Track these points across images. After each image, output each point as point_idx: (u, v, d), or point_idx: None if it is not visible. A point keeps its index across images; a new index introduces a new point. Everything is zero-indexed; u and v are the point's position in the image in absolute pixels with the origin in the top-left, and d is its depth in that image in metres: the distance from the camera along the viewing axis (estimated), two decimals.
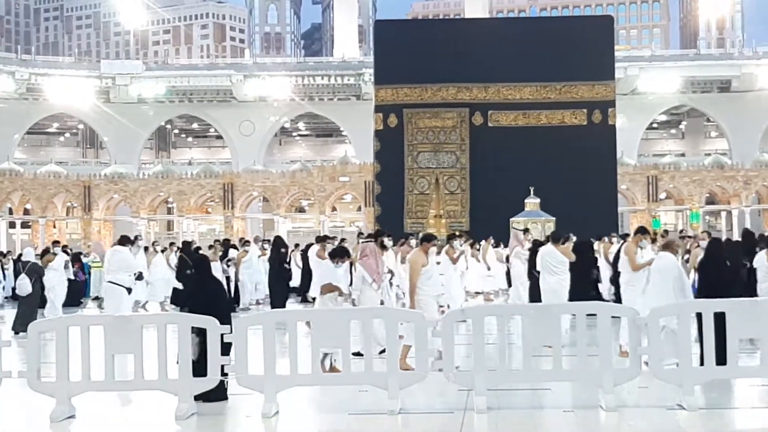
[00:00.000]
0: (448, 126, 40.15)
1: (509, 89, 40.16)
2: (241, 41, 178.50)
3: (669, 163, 62.13)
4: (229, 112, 74.64)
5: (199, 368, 10.52)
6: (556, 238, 17.24)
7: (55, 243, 25.64)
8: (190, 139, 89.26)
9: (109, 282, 18.66)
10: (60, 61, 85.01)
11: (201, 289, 11.90)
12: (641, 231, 15.45)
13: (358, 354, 10.95)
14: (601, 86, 40.24)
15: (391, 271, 15.32)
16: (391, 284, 16.38)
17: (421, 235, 14.80)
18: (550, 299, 15.54)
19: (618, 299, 16.29)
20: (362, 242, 17.50)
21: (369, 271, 15.40)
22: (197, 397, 10.71)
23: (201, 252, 20.48)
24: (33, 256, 22.27)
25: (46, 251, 24.25)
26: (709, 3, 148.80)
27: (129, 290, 18.52)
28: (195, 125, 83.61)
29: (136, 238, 21.66)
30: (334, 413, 10.85)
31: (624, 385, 10.75)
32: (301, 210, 70.21)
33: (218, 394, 10.98)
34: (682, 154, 77.50)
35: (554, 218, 32.34)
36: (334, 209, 62.83)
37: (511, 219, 32.79)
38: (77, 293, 27.71)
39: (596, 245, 22.80)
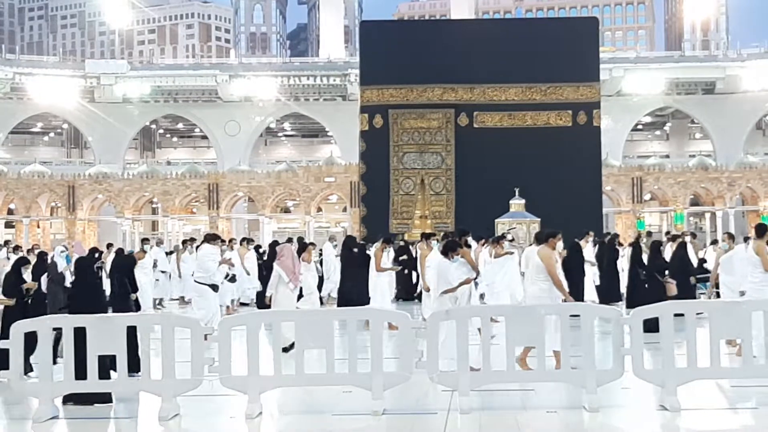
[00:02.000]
0: (434, 127, 40.16)
1: (495, 90, 40.21)
2: (227, 41, 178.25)
3: (653, 165, 62.28)
4: (214, 112, 74.45)
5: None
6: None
7: (145, 240, 25.21)
8: (175, 139, 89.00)
9: (196, 282, 18.43)
10: (44, 60, 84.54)
11: (81, 291, 11.90)
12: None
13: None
14: (586, 87, 40.34)
15: (477, 272, 15.37)
16: (476, 284, 16.55)
17: (546, 230, 14.65)
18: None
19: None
20: (281, 243, 17.65)
21: (286, 272, 15.73)
22: (71, 398, 10.79)
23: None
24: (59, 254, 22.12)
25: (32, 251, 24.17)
26: (694, 5, 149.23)
27: (215, 288, 18.12)
28: (180, 125, 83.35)
29: (215, 236, 20.61)
30: (318, 414, 10.86)
31: (607, 386, 10.79)
32: (287, 210, 70.11)
33: (101, 396, 10.97)
34: (667, 156, 77.72)
35: (539, 219, 32.43)
36: (319, 210, 62.72)
37: (496, 220, 32.89)
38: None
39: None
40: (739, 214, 60.89)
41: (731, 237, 17.32)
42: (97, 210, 63.66)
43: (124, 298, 14.14)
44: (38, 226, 63.40)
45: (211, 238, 18.97)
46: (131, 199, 60.15)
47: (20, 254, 24.15)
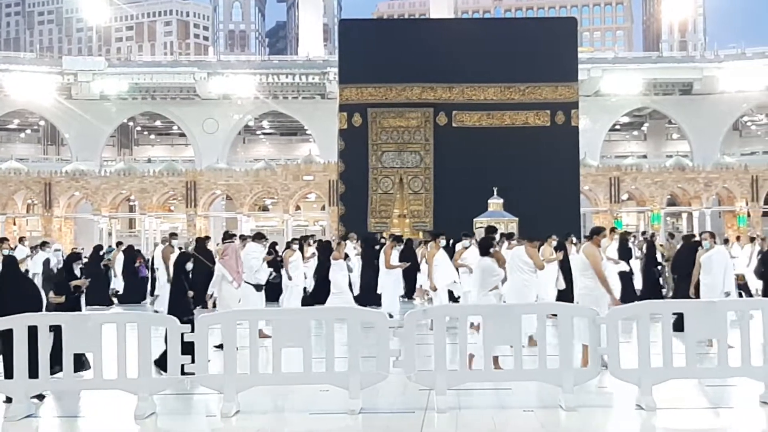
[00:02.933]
0: (413, 126, 40.18)
1: (473, 90, 40.25)
2: (205, 39, 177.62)
3: (631, 165, 62.56)
4: (192, 109, 74.24)
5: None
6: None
7: (173, 236, 24.82)
8: (152, 136, 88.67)
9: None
10: (21, 56, 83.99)
11: (8, 290, 11.83)
12: None
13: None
14: (564, 87, 40.45)
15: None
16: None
17: (593, 227, 14.65)
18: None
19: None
20: (224, 242, 17.56)
21: (230, 271, 15.74)
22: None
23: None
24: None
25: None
26: (672, 6, 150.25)
27: (258, 288, 17.77)
28: (158, 123, 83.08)
29: (262, 235, 20.09)
30: (295, 413, 10.84)
31: (584, 385, 10.83)
32: (265, 209, 69.98)
33: None
34: (644, 156, 78.10)
35: (517, 218, 32.50)
36: (298, 208, 62.62)
37: (474, 219, 32.90)
38: (142, 289, 27.75)
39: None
40: (715, 215, 61.27)
41: (713, 236, 17.32)
42: (73, 207, 63.29)
43: (182, 296, 14.04)
44: (14, 224, 62.97)
45: (258, 236, 18.82)
46: (108, 197, 59.85)
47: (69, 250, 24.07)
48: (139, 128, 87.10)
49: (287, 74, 74.36)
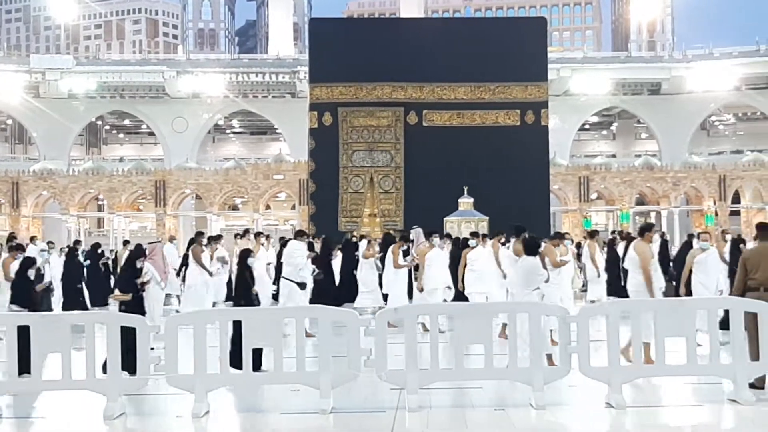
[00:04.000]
0: (383, 125, 40.23)
1: (444, 89, 40.35)
2: (175, 37, 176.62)
3: (600, 164, 62.95)
4: (161, 108, 73.82)
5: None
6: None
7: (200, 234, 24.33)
8: (121, 135, 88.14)
9: (283, 277, 18.04)
10: None
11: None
12: None
13: None
14: (534, 87, 40.64)
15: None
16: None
17: (643, 224, 14.69)
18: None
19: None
20: (150, 243, 17.54)
21: (158, 271, 15.83)
22: None
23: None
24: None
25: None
26: (641, 6, 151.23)
27: (302, 286, 17.58)
28: (127, 121, 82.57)
29: (303, 233, 19.71)
30: (266, 413, 10.80)
31: (554, 383, 10.86)
32: (235, 208, 69.74)
33: None
34: (613, 155, 78.59)
35: (487, 217, 32.58)
36: (268, 207, 62.45)
37: (445, 218, 32.96)
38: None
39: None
40: (683, 214, 61.72)
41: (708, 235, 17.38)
42: (41, 207, 62.79)
43: (246, 291, 13.94)
44: None
45: (300, 234, 18.67)
46: (76, 196, 59.45)
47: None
48: (107, 127, 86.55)
49: (257, 73, 74.13)
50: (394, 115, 40.26)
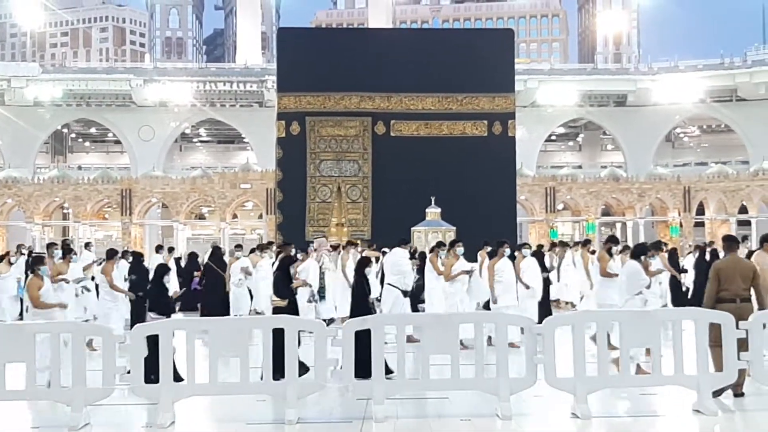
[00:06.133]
0: (351, 135, 40.24)
1: (411, 99, 40.43)
2: (142, 45, 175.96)
3: (566, 175, 63.28)
4: (128, 116, 73.39)
5: None
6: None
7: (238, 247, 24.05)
8: (87, 143, 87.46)
9: (388, 284, 17.93)
10: None
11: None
12: None
13: None
14: (501, 98, 40.80)
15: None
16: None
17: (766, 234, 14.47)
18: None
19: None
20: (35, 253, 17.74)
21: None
22: None
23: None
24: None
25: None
26: (607, 19, 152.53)
27: (405, 293, 17.56)
28: (93, 129, 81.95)
29: (405, 241, 19.34)
30: (232, 423, 10.77)
31: (520, 394, 10.91)
32: (201, 217, 69.44)
33: None
34: (580, 167, 79.02)
35: (455, 228, 32.63)
36: (235, 216, 62.22)
37: (412, 228, 32.98)
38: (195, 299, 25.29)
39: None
40: (648, 225, 62.18)
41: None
42: (5, 215, 62.19)
43: (363, 299, 13.86)
44: None
45: (403, 242, 18.58)
46: (41, 204, 58.94)
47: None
48: (73, 135, 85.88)
49: (225, 82, 73.92)
50: (362, 125, 40.29)
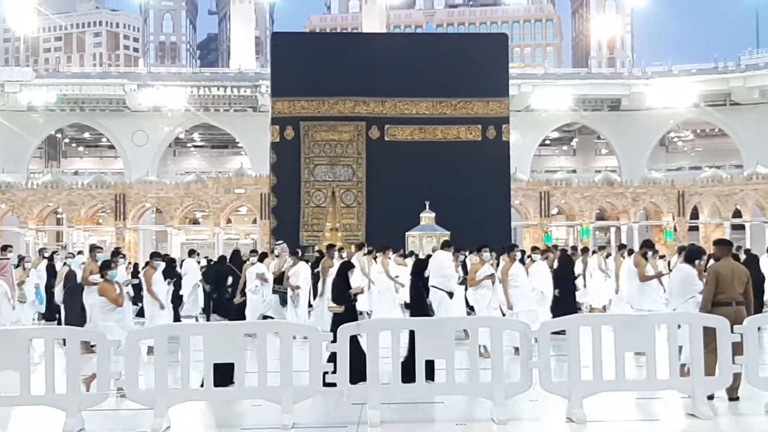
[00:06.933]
0: (345, 139, 40.25)
1: (406, 104, 40.47)
2: (135, 50, 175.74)
3: (560, 180, 63.34)
4: (122, 121, 73.36)
5: None
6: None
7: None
8: (81, 148, 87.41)
9: (432, 286, 17.86)
10: None
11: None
12: None
13: None
14: (495, 103, 40.85)
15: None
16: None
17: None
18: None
19: None
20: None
21: (9, 286, 16.21)
22: None
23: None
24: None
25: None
26: (601, 23, 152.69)
27: (451, 295, 17.38)
28: (87, 134, 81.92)
29: (448, 243, 19.24)
30: (227, 428, 10.75)
31: (515, 398, 10.91)
32: (195, 222, 69.38)
33: None
34: (574, 171, 79.17)
35: (449, 232, 32.64)
36: (229, 221, 62.18)
37: (406, 233, 33.02)
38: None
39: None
40: (643, 229, 62.24)
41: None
42: None
43: (421, 301, 13.86)
44: None
45: (446, 245, 18.52)
46: (35, 210, 58.86)
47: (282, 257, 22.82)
48: (67, 140, 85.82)
49: (218, 86, 73.90)
50: (356, 130, 40.30)
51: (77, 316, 18.20)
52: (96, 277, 16.53)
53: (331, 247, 21.88)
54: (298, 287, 20.30)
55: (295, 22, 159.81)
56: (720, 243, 12.76)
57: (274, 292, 21.00)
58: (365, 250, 24.12)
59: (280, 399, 10.37)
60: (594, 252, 27.03)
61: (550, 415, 10.95)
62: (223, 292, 14.33)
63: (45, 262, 24.18)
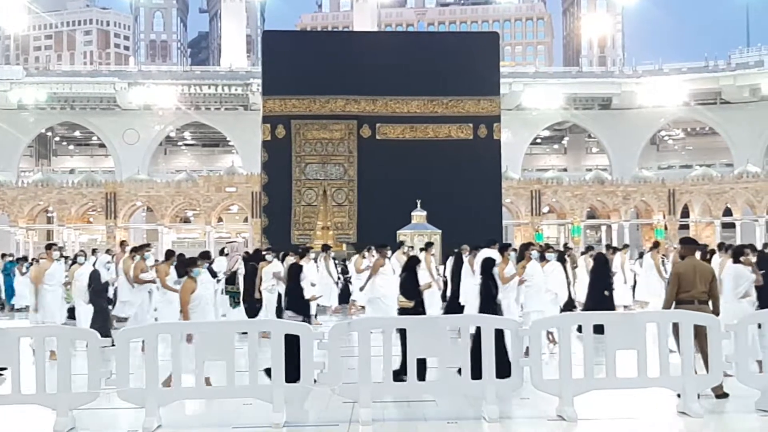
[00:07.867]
0: (336, 138, 40.25)
1: (397, 102, 40.49)
2: (126, 48, 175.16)
3: (552, 178, 63.39)
4: (112, 120, 73.23)
5: None
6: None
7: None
8: (71, 147, 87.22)
9: (476, 284, 17.74)
10: None
11: None
12: None
13: None
14: (486, 101, 40.89)
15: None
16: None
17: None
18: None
19: None
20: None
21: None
22: None
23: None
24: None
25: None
26: (591, 22, 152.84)
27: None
28: (77, 133, 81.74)
29: (495, 241, 19.14)
30: (218, 427, 10.73)
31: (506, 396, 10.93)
32: (186, 220, 69.25)
33: None
34: (565, 169, 79.29)
35: (440, 231, 32.67)
36: (220, 220, 62.12)
37: (398, 231, 33.01)
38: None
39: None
40: (633, 227, 62.35)
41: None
42: None
43: (491, 299, 13.76)
44: None
45: (492, 242, 18.47)
46: (25, 208, 58.70)
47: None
48: (57, 138, 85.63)
49: (210, 85, 73.83)
50: (347, 128, 40.30)
51: (104, 318, 17.92)
52: (171, 278, 16.40)
53: (382, 246, 21.09)
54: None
55: (286, 21, 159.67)
56: (685, 242, 12.81)
57: (226, 292, 20.81)
58: (432, 249, 23.73)
59: (272, 398, 10.36)
60: (616, 250, 26.72)
61: (541, 413, 10.96)
62: (298, 289, 14.28)
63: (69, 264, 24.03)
